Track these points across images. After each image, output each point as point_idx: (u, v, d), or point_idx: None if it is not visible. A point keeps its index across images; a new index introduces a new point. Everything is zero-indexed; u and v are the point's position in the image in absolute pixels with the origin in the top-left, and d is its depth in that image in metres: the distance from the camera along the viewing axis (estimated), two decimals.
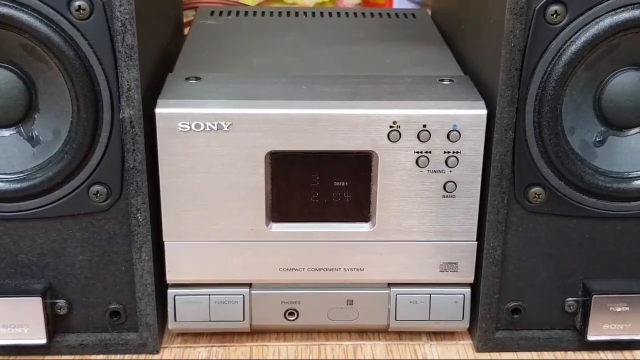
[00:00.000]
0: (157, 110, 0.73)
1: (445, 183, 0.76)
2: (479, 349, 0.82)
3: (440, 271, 0.79)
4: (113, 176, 0.74)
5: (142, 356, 0.82)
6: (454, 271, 0.79)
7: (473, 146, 0.74)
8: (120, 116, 0.72)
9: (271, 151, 0.74)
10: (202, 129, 0.73)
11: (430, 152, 0.75)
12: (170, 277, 0.79)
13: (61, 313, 0.79)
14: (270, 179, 0.75)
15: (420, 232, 0.78)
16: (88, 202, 0.75)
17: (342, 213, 0.77)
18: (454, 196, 0.76)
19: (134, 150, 0.73)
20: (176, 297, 0.80)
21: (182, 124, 0.73)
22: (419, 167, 0.75)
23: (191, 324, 0.81)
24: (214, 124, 0.73)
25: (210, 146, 0.73)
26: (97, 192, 0.74)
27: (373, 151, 0.75)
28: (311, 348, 0.83)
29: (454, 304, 0.81)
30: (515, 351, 0.82)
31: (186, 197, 0.75)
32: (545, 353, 0.82)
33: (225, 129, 0.73)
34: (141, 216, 0.75)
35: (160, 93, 0.75)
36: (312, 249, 0.78)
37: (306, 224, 0.78)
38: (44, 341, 0.78)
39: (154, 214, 0.77)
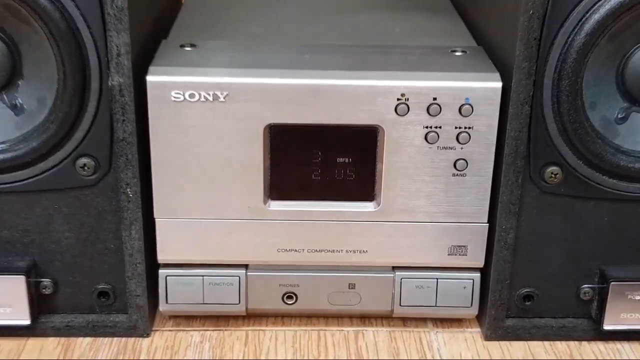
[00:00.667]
0: (149, 78, 0.70)
1: (456, 161, 0.74)
2: (487, 337, 0.80)
3: (449, 254, 0.77)
4: (101, 148, 0.72)
5: (132, 339, 0.79)
6: (463, 255, 0.77)
7: (486, 121, 0.72)
8: (109, 84, 0.70)
9: (270, 124, 0.72)
10: (196, 99, 0.70)
11: (440, 128, 0.72)
12: (161, 257, 0.77)
13: (46, 293, 0.77)
14: (268, 154, 0.73)
15: (428, 212, 0.75)
16: (75, 176, 0.73)
17: (345, 191, 0.75)
18: (464, 175, 0.74)
19: (123, 120, 0.71)
20: (168, 277, 0.78)
21: (175, 93, 0.70)
22: (428, 143, 0.73)
23: (184, 307, 0.79)
24: (209, 94, 0.70)
25: (205, 117, 0.71)
26: (85, 165, 0.72)
27: (379, 125, 0.72)
28: (310, 333, 0.81)
29: (462, 290, 0.79)
30: (526, 340, 0.80)
31: (179, 171, 0.73)
32: (558, 342, 0.80)
33: (222, 99, 0.70)
34: (131, 191, 0.73)
35: (153, 60, 0.73)
36: (313, 229, 0.76)
37: (306, 202, 0.75)
38: (27, 322, 0.76)
39: (144, 189, 0.74)
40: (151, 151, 0.73)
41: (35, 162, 0.72)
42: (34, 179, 0.72)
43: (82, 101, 0.70)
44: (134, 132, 0.71)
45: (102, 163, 0.72)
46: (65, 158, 0.72)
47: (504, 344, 0.80)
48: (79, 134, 0.71)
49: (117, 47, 0.68)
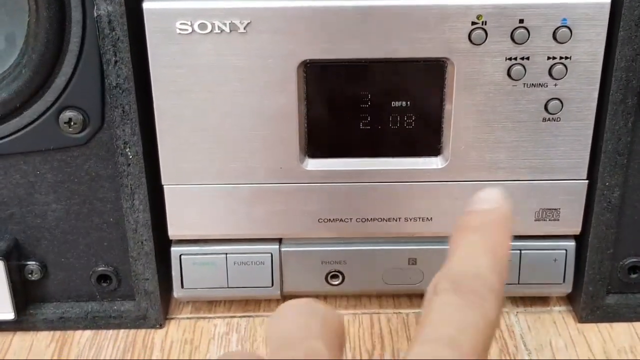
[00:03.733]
0: (146, 5, 0.62)
1: (548, 101, 0.65)
2: (582, 319, 0.71)
3: (536, 220, 0.69)
4: (90, 98, 0.64)
5: (142, 331, 0.70)
6: (555, 219, 0.69)
7: (589, 49, 0.63)
8: (95, 14, 0.62)
9: (306, 61, 0.64)
10: (209, 30, 0.62)
11: (528, 59, 0.63)
12: (173, 232, 0.70)
13: (33, 278, 0.70)
14: (304, 100, 0.66)
15: (511, 168, 0.67)
16: (59, 134, 0.65)
17: (403, 144, 0.68)
18: (558, 119, 0.65)
19: (116, 62, 0.63)
20: (182, 257, 0.70)
21: (181, 23, 0.62)
22: (512, 79, 0.64)
23: (204, 292, 0.71)
24: (225, 24, 0.62)
25: (222, 55, 0.63)
26: (70, 119, 0.65)
27: (447, 58, 0.64)
28: (361, 318, 0.71)
29: (552, 263, 0.71)
30: (632, 321, 0.72)
31: (191, 125, 0.65)
32: None
33: (242, 30, 0.62)
34: (131, 152, 0.66)
35: None
36: (362, 193, 0.68)
37: (353, 160, 0.68)
38: (11, 316, 0.69)
39: (148, 148, 0.67)
40: (154, 100, 0.65)
41: (7, 118, 0.64)
42: (8, 138, 0.65)
43: (61, 38, 0.62)
44: (131, 76, 0.63)
45: (92, 117, 0.65)
46: (45, 112, 0.64)
47: (604, 326, 0.71)
48: (60, 81, 0.63)
49: None
